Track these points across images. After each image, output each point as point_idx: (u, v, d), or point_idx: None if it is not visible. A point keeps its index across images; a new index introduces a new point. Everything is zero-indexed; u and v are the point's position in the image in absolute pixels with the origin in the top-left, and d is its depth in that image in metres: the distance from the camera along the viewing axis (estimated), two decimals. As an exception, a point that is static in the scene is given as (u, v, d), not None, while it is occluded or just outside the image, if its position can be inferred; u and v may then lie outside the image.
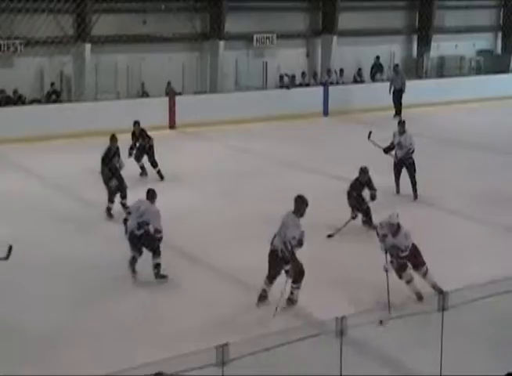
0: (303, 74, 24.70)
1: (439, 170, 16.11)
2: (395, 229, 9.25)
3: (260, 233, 11.94)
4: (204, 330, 8.58)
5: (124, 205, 12.94)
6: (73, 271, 10.53)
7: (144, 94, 22.39)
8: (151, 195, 10.37)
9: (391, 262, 9.27)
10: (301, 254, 9.49)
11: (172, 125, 21.15)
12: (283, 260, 9.19)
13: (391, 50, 27.04)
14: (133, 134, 15.49)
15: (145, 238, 10.17)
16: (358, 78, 25.57)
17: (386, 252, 9.28)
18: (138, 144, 15.51)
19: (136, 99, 21.70)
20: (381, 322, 7.78)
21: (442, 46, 27.63)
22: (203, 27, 23.78)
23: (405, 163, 14.18)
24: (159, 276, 10.19)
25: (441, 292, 8.63)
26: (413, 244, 9.38)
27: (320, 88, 23.70)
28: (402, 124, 14.40)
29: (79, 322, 9.01)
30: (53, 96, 21.20)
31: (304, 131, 20.70)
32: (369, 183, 12.38)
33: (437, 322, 7.52)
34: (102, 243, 11.79)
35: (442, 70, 27.78)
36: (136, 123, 15.57)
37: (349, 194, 12.30)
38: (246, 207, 13.55)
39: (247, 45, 24.39)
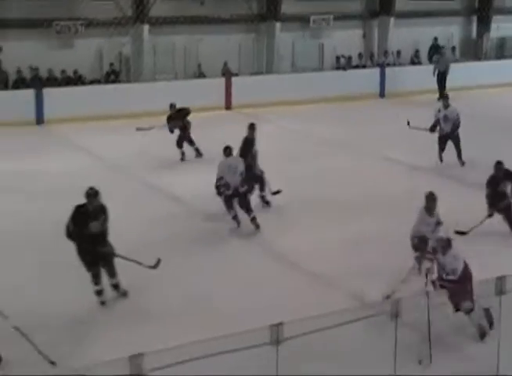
0: (360, 55, 24.42)
1: (499, 153, 15.75)
2: (445, 245, 8.08)
3: (311, 216, 11.96)
4: (258, 309, 8.58)
5: (263, 198, 12.48)
6: (130, 250, 10.63)
7: (201, 75, 22.43)
8: (229, 151, 11.59)
9: (433, 282, 8.08)
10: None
11: (228, 106, 21.14)
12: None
13: (450, 31, 26.50)
14: (169, 116, 15.44)
15: (244, 196, 11.38)
16: (415, 60, 25.17)
17: (426, 275, 8.18)
18: (177, 127, 15.41)
19: (193, 80, 21.77)
20: (420, 362, 7.52)
21: (503, 27, 26.91)
22: (260, 8, 23.64)
23: (450, 136, 14.58)
24: (258, 227, 11.36)
25: (483, 336, 7.97)
26: (467, 271, 8.07)
27: (377, 70, 23.39)
28: (445, 98, 15.02)
29: (132, 300, 9.12)
30: (112, 76, 21.42)
31: (360, 113, 20.49)
32: (509, 176, 11.03)
33: (494, 306, 7.39)
34: (161, 221, 11.88)
35: (503, 51, 27.13)
36: (172, 105, 15.52)
37: (486, 191, 11.08)
38: (299, 189, 13.43)
39: (304, 27, 24.18)
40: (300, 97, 21.27)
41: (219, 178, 11.29)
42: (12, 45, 20.05)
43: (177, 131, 15.55)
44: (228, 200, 11.44)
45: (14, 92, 19.42)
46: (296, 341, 6.46)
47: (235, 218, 11.48)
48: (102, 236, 8.81)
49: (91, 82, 21.08)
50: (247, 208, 11.41)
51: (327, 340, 7.13)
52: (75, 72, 20.77)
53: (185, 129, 15.46)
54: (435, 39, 25.37)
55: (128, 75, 21.99)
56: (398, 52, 24.57)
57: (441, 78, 22.46)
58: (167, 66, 22.21)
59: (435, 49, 25.10)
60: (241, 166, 11.42)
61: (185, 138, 15.46)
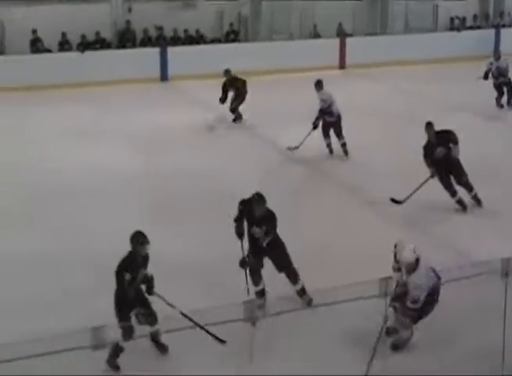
0: (474, 16, 23.38)
1: None
2: (412, 267, 6.59)
3: (416, 176, 11.40)
4: (363, 261, 8.43)
5: (475, 197, 10.36)
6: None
7: (316, 35, 22.11)
8: (321, 84, 12.41)
9: (394, 307, 6.61)
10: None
11: (342, 66, 20.82)
12: None
13: None
14: (224, 83, 14.73)
15: (340, 122, 12.38)
16: (531, 21, 23.91)
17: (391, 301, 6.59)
18: (232, 93, 14.75)
19: (308, 40, 21.50)
20: None
21: None
22: (375, -31, 22.98)
23: (503, 82, 16.02)
24: (347, 153, 12.45)
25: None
26: (432, 297, 6.64)
27: (492, 31, 22.35)
28: (497, 52, 16.84)
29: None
30: (231, 36, 21.46)
31: (473, 74, 19.61)
32: None
33: None
34: (275, 172, 11.93)
35: None
36: (227, 71, 14.82)
37: None
38: (406, 149, 12.42)
39: (418, -12, 23.37)
40: (413, 58, 20.62)
41: (328, 106, 12.25)
42: (139, 6, 20.42)
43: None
44: (326, 126, 12.40)
45: (141, 50, 19.76)
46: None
47: (329, 145, 12.53)
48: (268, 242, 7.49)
49: (212, 41, 21.18)
50: (340, 133, 12.43)
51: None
52: (197, 31, 20.92)
53: (238, 96, 14.74)
54: (554, -1, 23.96)
55: (246, 35, 21.95)
56: (515, 13, 23.40)
57: None
58: (283, 26, 21.99)
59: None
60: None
61: (237, 102, 14.73)
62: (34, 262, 8.65)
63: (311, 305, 7.40)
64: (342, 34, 21.48)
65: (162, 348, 6.81)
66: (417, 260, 6.55)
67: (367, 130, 14.15)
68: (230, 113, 14.90)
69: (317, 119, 12.39)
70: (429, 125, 10.17)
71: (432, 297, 6.63)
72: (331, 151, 12.59)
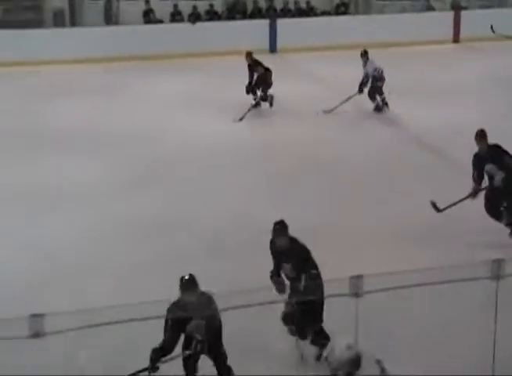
0: None
1: None
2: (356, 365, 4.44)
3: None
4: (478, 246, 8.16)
5: None
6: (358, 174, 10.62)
7: (429, 8, 21.50)
8: (367, 54, 13.46)
9: None
10: None
11: (456, 40, 20.16)
12: None
13: None
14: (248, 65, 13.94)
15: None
16: None
17: None
18: (255, 76, 13.92)
19: (421, 13, 20.92)
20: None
21: None
22: None
23: None
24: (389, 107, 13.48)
25: None
26: None
27: None
28: None
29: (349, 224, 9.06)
30: (342, 8, 21.18)
31: None
32: None
33: None
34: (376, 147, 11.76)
35: None
36: (249, 53, 13.96)
37: None
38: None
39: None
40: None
41: (380, 72, 13.35)
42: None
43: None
44: (373, 90, 13.49)
45: (251, 21, 19.82)
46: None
47: (378, 105, 13.58)
48: None
49: (322, 14, 20.97)
50: (382, 91, 13.47)
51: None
52: (307, 3, 20.74)
53: (259, 79, 13.91)
54: None
55: (356, 8, 21.60)
56: None
57: None
58: (395, -1, 21.54)
59: None
60: None
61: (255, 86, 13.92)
62: (152, 226, 8.91)
63: None
64: (457, 7, 20.77)
65: None
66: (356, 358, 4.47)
67: (473, 108, 13.65)
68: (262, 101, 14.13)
69: (362, 84, 13.35)
70: (480, 134, 8.09)
71: None
72: (380, 109, 13.54)
